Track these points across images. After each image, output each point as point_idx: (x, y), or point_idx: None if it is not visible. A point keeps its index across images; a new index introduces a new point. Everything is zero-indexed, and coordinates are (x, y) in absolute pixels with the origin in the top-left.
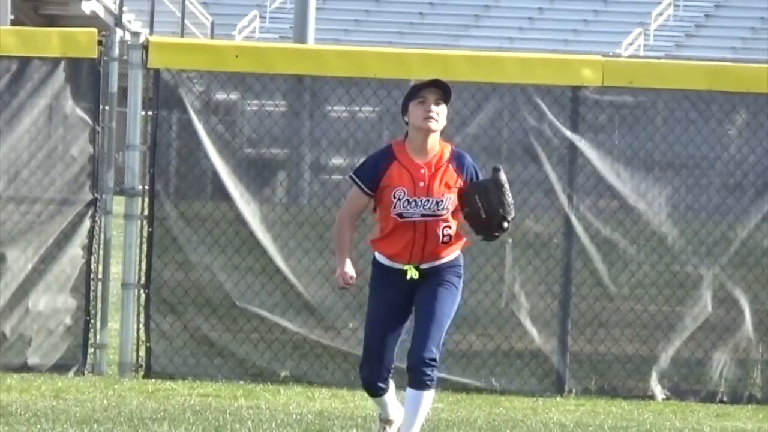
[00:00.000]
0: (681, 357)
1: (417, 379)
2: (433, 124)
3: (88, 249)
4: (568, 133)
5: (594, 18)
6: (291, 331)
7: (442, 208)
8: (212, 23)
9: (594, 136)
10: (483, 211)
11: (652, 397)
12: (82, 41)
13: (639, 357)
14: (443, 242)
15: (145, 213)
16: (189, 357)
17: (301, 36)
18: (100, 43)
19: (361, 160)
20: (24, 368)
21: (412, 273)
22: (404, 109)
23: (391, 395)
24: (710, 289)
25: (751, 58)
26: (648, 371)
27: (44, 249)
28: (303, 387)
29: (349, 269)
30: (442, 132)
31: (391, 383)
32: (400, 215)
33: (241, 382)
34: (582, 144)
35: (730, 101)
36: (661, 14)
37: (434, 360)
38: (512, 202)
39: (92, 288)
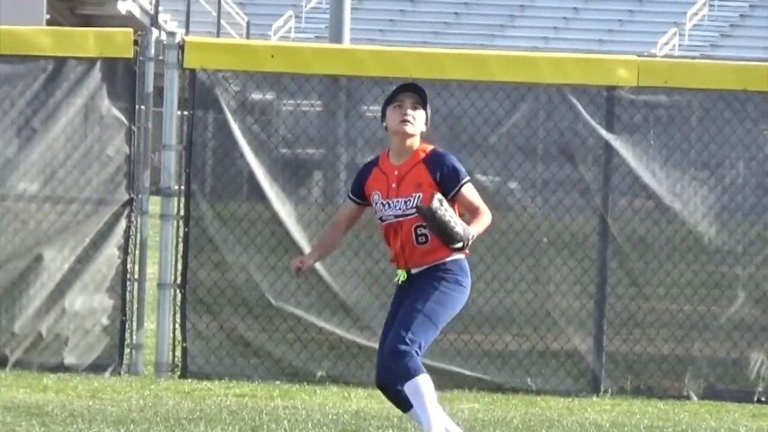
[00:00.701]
0: (717, 357)
1: (394, 372)
2: (408, 128)
3: (125, 249)
4: (603, 133)
5: (629, 18)
6: (327, 331)
7: (411, 207)
8: (248, 23)
9: (629, 136)
10: (433, 233)
11: (688, 397)
12: (118, 41)
13: (674, 357)
14: (419, 243)
15: (181, 213)
16: (225, 357)
17: (336, 36)
18: (136, 43)
19: None
20: (60, 368)
21: (402, 276)
22: (383, 115)
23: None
24: (746, 288)
25: None
26: (683, 371)
27: (81, 249)
28: (339, 387)
29: (308, 258)
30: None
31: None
32: (381, 219)
33: (278, 382)
34: (617, 144)
35: (765, 101)
36: (696, 14)
37: (406, 354)
38: (455, 226)
39: (128, 288)
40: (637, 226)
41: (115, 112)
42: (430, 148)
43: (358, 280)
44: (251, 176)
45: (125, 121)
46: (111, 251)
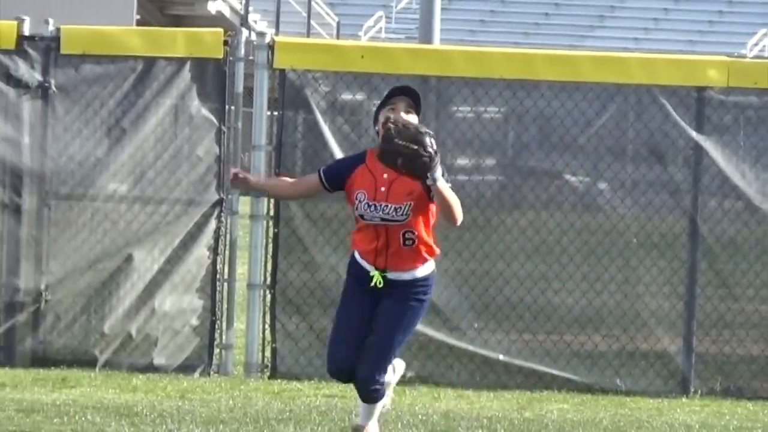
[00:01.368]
0: None
1: (366, 395)
2: None
3: (214, 249)
4: (693, 134)
5: (719, 19)
6: (417, 332)
7: (402, 214)
8: (338, 23)
9: (719, 137)
10: (404, 165)
11: None
12: (208, 41)
13: (764, 358)
14: (405, 245)
15: (271, 213)
16: (315, 358)
17: (426, 36)
18: (225, 43)
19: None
20: (150, 368)
21: (378, 279)
22: (375, 119)
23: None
24: None
25: None
26: None
27: (170, 249)
28: (428, 387)
29: (252, 176)
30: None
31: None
32: (361, 216)
33: None
34: (707, 144)
35: None
36: None
37: (381, 380)
38: (419, 142)
39: (218, 288)
40: (727, 227)
41: (205, 112)
42: None
43: (448, 280)
44: None
45: (215, 122)
46: (201, 252)
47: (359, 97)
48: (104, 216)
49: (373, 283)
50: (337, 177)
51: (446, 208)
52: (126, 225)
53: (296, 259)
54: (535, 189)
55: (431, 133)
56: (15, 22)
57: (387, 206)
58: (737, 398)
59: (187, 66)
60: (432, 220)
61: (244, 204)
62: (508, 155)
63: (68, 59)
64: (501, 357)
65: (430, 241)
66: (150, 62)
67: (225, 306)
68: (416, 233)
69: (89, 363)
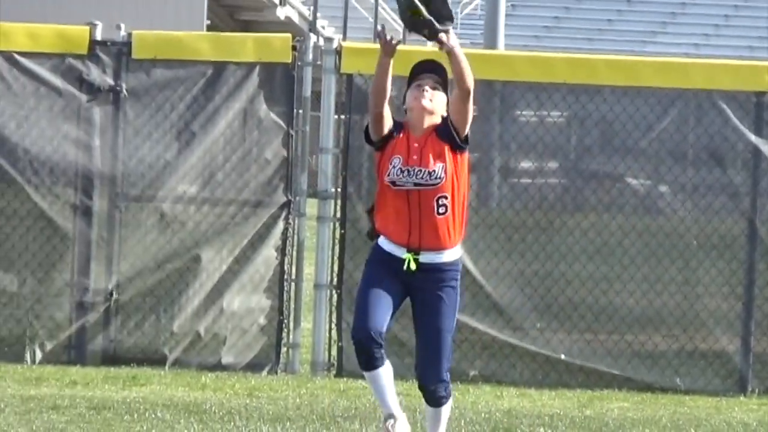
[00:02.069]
0: None
1: (433, 399)
2: (426, 103)
3: (282, 250)
4: (752, 138)
5: None
6: (480, 332)
7: (435, 178)
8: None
9: None
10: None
11: None
12: (277, 46)
13: None
14: (439, 213)
15: (338, 215)
16: None
17: (491, 42)
18: (294, 48)
19: None
20: (218, 367)
21: (410, 261)
22: (404, 99)
23: (389, 382)
24: None
25: None
26: None
27: (238, 250)
28: (491, 386)
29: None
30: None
31: (388, 368)
32: (393, 183)
33: None
34: (766, 148)
35: None
36: None
37: (446, 380)
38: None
39: (285, 288)
40: None
41: (273, 116)
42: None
43: (511, 281)
44: None
45: (283, 125)
46: (268, 252)
47: None
48: (174, 217)
49: (405, 267)
50: (389, 131)
51: (458, 69)
52: (195, 226)
53: (362, 259)
54: (597, 192)
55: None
56: (87, 28)
57: (421, 171)
58: None
59: (257, 70)
60: (463, 191)
61: (311, 206)
62: (571, 158)
63: (139, 64)
64: (563, 356)
65: (461, 215)
66: (220, 67)
67: (292, 306)
68: (449, 198)
69: (159, 361)
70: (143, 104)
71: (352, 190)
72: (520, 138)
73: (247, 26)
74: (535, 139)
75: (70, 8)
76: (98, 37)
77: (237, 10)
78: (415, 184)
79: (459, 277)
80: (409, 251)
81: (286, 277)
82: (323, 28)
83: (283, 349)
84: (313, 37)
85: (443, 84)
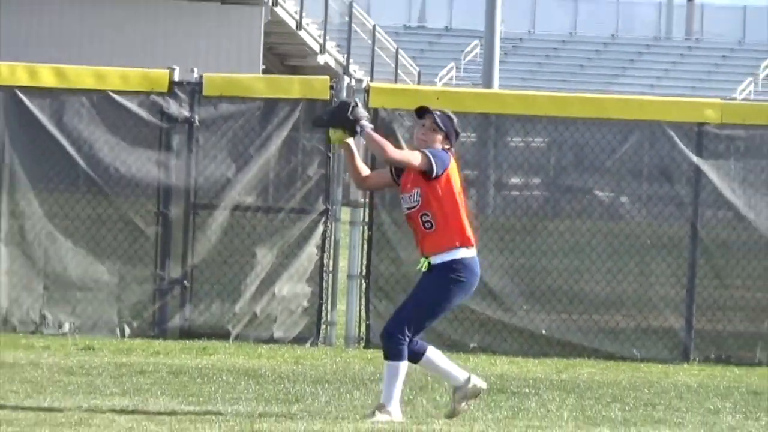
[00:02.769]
0: None
1: (383, 347)
2: (420, 144)
3: (321, 248)
4: (694, 159)
5: (715, 69)
6: (478, 312)
7: (414, 200)
8: (419, 73)
9: (714, 161)
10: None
11: (759, 364)
12: (317, 86)
13: (749, 333)
14: (426, 227)
15: (366, 220)
16: None
17: (488, 82)
18: (331, 87)
19: None
20: (271, 340)
21: (423, 265)
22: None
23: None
24: None
25: None
26: (755, 344)
27: (286, 247)
28: (487, 355)
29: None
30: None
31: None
32: (404, 209)
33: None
34: (705, 167)
35: None
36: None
37: (393, 333)
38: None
39: (324, 278)
40: (720, 232)
41: (314, 142)
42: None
43: (502, 272)
44: None
45: (322, 149)
46: (311, 249)
47: None
48: (235, 222)
49: (419, 267)
50: (395, 173)
51: (376, 147)
52: (251, 229)
53: (385, 255)
54: (571, 202)
55: (354, 101)
56: (168, 71)
57: (405, 197)
58: (727, 364)
59: (301, 105)
60: (447, 208)
61: (345, 213)
62: (550, 175)
63: (209, 100)
64: (544, 332)
65: (451, 226)
66: (272, 102)
67: (330, 292)
68: (430, 214)
69: (224, 336)
70: (211, 132)
71: (377, 201)
72: (510, 159)
73: (293, 70)
74: (522, 160)
75: (154, 55)
76: (176, 78)
77: (286, 57)
78: (408, 208)
79: (454, 275)
80: (423, 257)
81: (324, 269)
82: (354, 71)
83: (323, 326)
84: (346, 79)
85: (440, 126)
